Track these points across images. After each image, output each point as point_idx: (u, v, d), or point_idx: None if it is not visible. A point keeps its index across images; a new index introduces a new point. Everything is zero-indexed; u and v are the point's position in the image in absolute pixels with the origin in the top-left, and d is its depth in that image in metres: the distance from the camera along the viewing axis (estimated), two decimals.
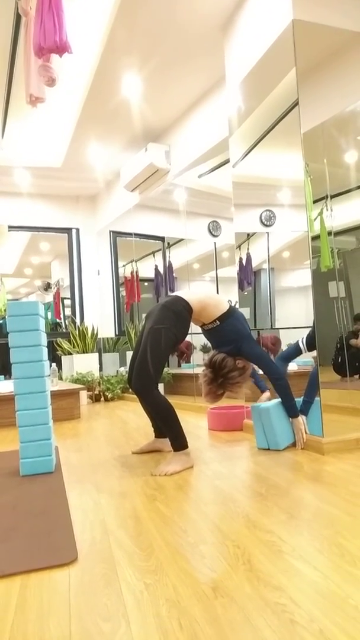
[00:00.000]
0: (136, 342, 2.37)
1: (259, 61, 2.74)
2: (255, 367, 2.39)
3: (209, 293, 2.39)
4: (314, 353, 2.43)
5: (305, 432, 2.33)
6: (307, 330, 2.52)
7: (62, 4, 2.22)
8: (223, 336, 2.32)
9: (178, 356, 5.08)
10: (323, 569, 1.09)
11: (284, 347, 2.97)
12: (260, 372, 2.47)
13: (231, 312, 2.32)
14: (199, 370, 4.20)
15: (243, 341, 2.28)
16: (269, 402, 2.41)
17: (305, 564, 1.12)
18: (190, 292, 2.36)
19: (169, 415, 2.18)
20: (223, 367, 2.22)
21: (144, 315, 2.38)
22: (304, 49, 2.41)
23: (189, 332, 2.31)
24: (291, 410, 2.33)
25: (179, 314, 2.21)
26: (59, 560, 1.21)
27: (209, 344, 2.51)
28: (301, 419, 2.33)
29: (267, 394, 2.68)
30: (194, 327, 2.49)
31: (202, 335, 2.49)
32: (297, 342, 2.56)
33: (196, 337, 4.49)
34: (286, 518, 1.43)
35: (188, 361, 5.02)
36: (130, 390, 2.28)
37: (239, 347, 2.27)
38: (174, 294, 2.33)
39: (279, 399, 2.38)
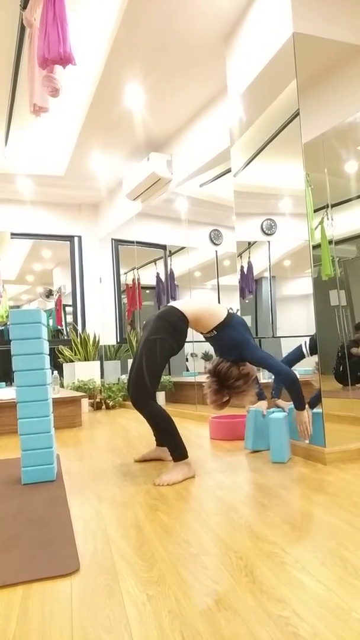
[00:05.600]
0: (135, 352, 2.37)
1: (260, 73, 2.77)
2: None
3: (206, 303, 2.38)
4: (316, 358, 2.42)
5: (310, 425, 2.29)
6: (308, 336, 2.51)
7: (66, 15, 2.25)
8: (223, 345, 2.32)
9: None
10: (326, 581, 1.09)
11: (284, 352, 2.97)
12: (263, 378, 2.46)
13: (228, 321, 2.30)
14: (201, 379, 4.18)
15: (243, 347, 2.27)
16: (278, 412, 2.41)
17: (308, 576, 1.12)
18: (186, 302, 2.36)
19: (167, 426, 2.17)
20: (228, 377, 2.22)
21: (145, 323, 2.39)
22: (304, 61, 2.44)
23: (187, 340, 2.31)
24: (298, 402, 2.29)
25: (174, 324, 2.22)
26: (61, 570, 1.21)
27: (210, 352, 2.51)
28: (307, 412, 2.30)
29: (264, 403, 2.66)
30: (195, 335, 2.49)
31: (202, 343, 2.49)
32: (300, 346, 2.54)
33: (198, 345, 4.50)
34: (289, 529, 1.42)
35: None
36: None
37: (241, 353, 2.27)
38: (169, 304, 2.34)
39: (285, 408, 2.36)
